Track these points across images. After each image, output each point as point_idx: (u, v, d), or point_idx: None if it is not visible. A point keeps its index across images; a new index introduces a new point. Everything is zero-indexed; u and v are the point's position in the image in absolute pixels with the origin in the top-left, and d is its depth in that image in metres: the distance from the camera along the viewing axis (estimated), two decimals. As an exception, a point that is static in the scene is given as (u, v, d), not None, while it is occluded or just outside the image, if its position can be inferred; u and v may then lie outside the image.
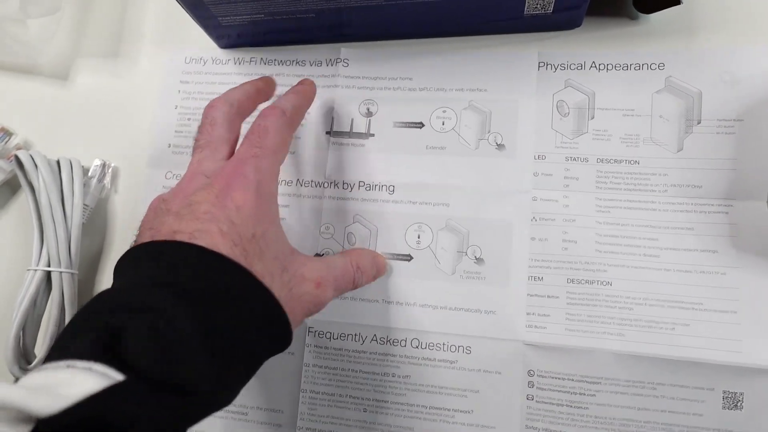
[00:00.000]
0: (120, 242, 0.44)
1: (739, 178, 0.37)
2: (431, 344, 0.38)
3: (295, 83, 0.43)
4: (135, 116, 0.46)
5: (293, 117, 0.34)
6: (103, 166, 0.44)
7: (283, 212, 0.42)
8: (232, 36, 0.44)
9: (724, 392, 0.35)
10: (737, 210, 0.37)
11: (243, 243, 0.28)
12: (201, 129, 0.34)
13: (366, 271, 0.37)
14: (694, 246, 0.37)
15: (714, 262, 0.36)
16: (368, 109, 0.42)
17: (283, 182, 0.42)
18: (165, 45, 0.47)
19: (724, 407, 0.35)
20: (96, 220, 0.44)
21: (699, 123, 0.38)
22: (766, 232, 0.36)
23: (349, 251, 0.39)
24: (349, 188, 0.41)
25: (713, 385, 0.35)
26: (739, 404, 0.35)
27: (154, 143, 0.45)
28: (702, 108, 0.38)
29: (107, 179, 0.44)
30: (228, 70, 0.45)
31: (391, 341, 0.39)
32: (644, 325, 0.36)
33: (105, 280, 0.44)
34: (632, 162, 0.39)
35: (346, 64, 0.43)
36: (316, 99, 0.43)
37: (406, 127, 0.42)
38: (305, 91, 0.37)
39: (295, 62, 0.44)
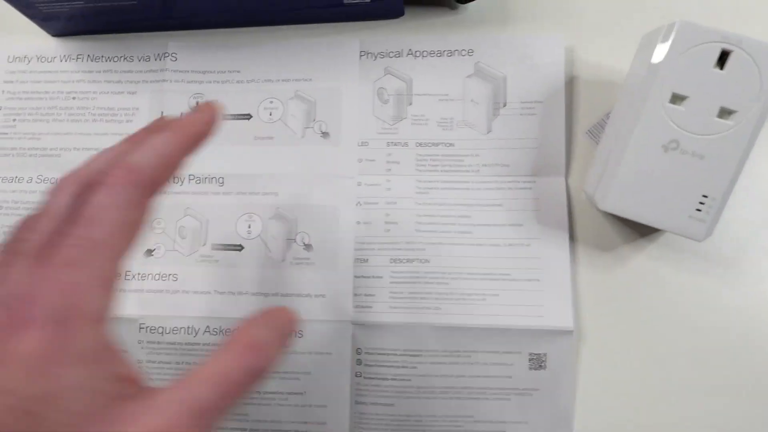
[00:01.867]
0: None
1: (540, 155, 0.40)
2: (263, 331, 0.39)
3: (125, 80, 0.43)
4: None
5: (152, 180, 0.22)
6: None
7: (113, 210, 0.41)
8: (60, 23, 0.43)
9: (530, 354, 0.38)
10: (539, 185, 0.39)
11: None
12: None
13: (270, 345, 0.22)
14: (503, 221, 0.39)
15: (520, 235, 0.39)
16: (197, 103, 0.43)
17: (114, 179, 0.42)
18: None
19: (530, 368, 0.38)
20: None
21: (505, 105, 0.40)
22: (562, 204, 0.39)
23: (237, 333, 0.22)
24: (179, 182, 0.41)
25: (520, 349, 0.38)
26: (543, 364, 0.38)
27: (-21, 145, 0.43)
28: (507, 91, 0.40)
29: None
30: (54, 68, 0.44)
31: (225, 331, 0.39)
32: (459, 298, 0.38)
33: None
34: (448, 144, 0.41)
35: (174, 59, 0.43)
36: (145, 94, 0.43)
37: (234, 119, 0.42)
38: (191, 125, 0.23)
39: (123, 58, 0.44)
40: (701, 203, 0.33)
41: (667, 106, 0.32)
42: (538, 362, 0.38)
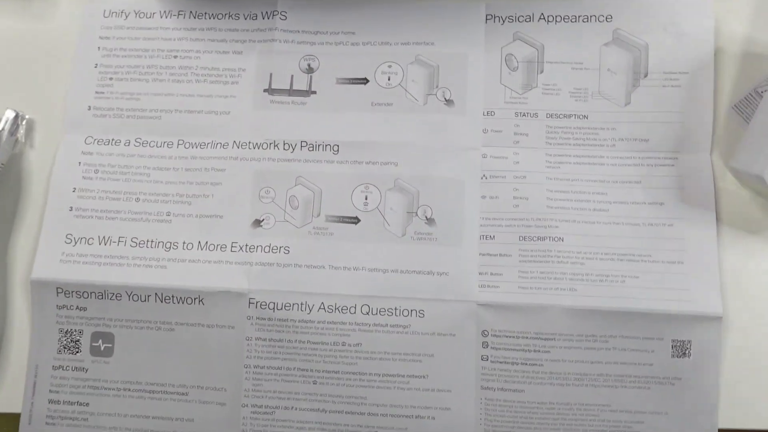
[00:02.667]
0: (35, 203, 0.39)
1: (684, 130, 0.37)
2: (382, 309, 0.37)
3: (230, 39, 0.40)
4: (54, 64, 0.41)
5: None
6: (16, 117, 0.39)
7: (218, 177, 0.39)
8: (158, -18, 0.40)
9: (673, 341, 0.35)
10: (682, 162, 0.37)
11: None
12: None
13: None
14: (642, 199, 0.37)
15: (661, 214, 0.36)
16: (309, 65, 0.40)
17: (219, 145, 0.39)
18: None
19: (673, 355, 0.35)
20: (9, 178, 0.40)
21: (646, 76, 0.38)
22: (709, 183, 0.36)
23: None
24: (291, 149, 0.39)
25: (662, 335, 0.35)
26: (687, 352, 0.35)
27: (72, 105, 0.40)
28: (649, 61, 0.38)
29: (21, 132, 0.40)
30: (154, 24, 0.41)
31: (340, 308, 0.37)
32: (595, 279, 0.36)
33: (19, 246, 0.39)
34: (581, 116, 0.38)
35: (283, 17, 0.40)
36: (252, 54, 0.40)
37: (349, 83, 0.39)
38: None
39: (228, 15, 0.41)
40: None
41: None
42: (681, 350, 0.35)
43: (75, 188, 0.39)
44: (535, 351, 0.36)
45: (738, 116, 0.37)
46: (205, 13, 0.41)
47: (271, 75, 0.40)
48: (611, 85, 0.38)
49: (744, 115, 0.37)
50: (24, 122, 0.40)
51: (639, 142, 0.37)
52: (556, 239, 0.37)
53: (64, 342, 0.38)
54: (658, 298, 0.35)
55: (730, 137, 0.37)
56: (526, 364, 0.36)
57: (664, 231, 0.36)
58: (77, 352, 0.38)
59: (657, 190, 0.37)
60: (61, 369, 0.38)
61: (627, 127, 0.38)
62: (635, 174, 0.37)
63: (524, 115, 0.38)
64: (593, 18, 0.39)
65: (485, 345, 0.36)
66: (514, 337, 0.36)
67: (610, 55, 0.38)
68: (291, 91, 0.40)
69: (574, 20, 0.39)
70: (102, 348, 0.38)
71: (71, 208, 0.39)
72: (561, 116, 0.38)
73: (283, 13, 0.40)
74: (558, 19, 0.39)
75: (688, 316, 0.35)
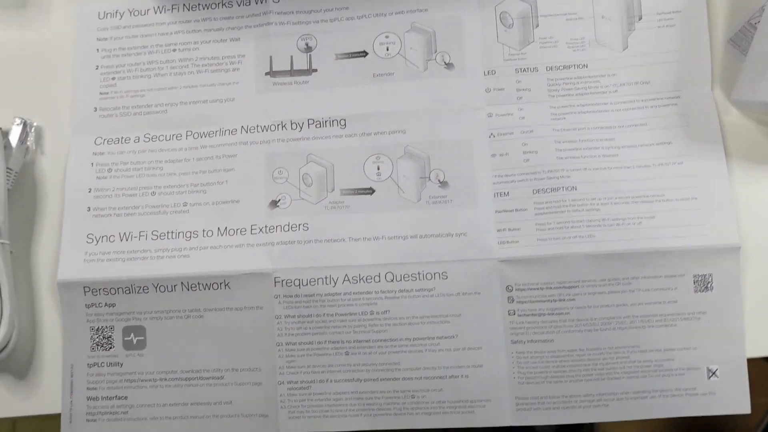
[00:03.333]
0: (53, 207, 0.40)
1: (683, 69, 0.37)
2: (406, 275, 0.37)
3: (226, 27, 0.41)
4: (54, 70, 0.41)
5: None
6: (25, 125, 0.40)
7: (230, 163, 0.39)
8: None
9: (695, 276, 0.36)
10: (685, 100, 0.37)
11: None
12: None
13: None
14: (650, 140, 0.37)
15: (670, 153, 0.37)
16: (307, 44, 0.40)
17: (227, 131, 0.40)
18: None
19: (696, 290, 0.36)
20: (23, 185, 0.40)
21: (640, 19, 0.38)
22: (713, 118, 0.37)
23: None
24: (299, 128, 0.39)
25: (683, 271, 0.36)
26: (709, 285, 0.36)
27: (78, 108, 0.41)
28: (641, 3, 0.38)
29: (30, 140, 0.40)
30: (149, 21, 0.41)
31: (365, 278, 0.37)
32: (612, 224, 0.36)
33: (41, 251, 0.40)
34: (581, 66, 0.38)
35: (276, 0, 0.41)
36: (250, 40, 0.40)
37: (349, 57, 0.40)
38: None
39: (221, 4, 0.41)
40: None
41: None
42: (703, 284, 0.36)
43: (90, 189, 0.40)
44: (560, 300, 0.36)
45: (735, 49, 0.38)
46: (199, 4, 0.41)
47: (270, 58, 0.40)
48: (607, 31, 0.38)
49: (740, 48, 0.37)
50: (32, 130, 0.40)
51: (640, 85, 0.38)
52: (570, 189, 0.37)
53: (97, 339, 0.38)
54: (676, 236, 0.36)
55: (729, 71, 0.37)
56: (553, 314, 0.36)
57: (674, 169, 0.37)
58: (110, 347, 0.38)
59: (663, 130, 0.37)
60: (96, 366, 0.38)
61: (627, 72, 0.38)
62: (640, 117, 0.38)
63: (524, 70, 0.39)
64: (583, -33, 0.39)
65: (510, 300, 0.37)
66: (538, 288, 0.37)
67: (602, 2, 0.38)
68: (292, 72, 0.40)
69: (564, -28, 0.39)
70: (134, 341, 0.38)
71: (89, 208, 0.39)
72: (561, 68, 0.38)
73: (276, -4, 0.41)
74: (548, -28, 0.39)
75: (707, 250, 0.35)
